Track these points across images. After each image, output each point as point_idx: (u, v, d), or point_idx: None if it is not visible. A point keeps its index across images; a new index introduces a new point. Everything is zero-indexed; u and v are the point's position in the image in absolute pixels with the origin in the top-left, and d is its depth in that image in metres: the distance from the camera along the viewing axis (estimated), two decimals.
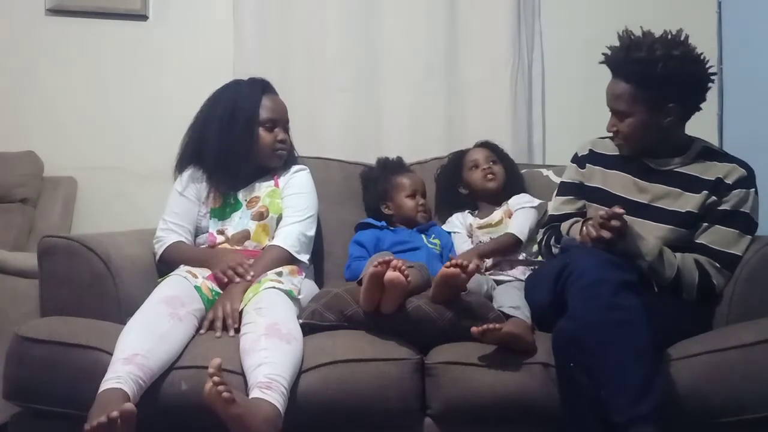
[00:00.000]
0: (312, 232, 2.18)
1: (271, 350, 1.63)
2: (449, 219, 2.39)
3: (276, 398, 1.54)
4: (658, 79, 1.84)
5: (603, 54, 1.95)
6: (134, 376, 1.56)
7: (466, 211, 2.39)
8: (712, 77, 1.91)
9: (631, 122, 1.91)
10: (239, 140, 2.15)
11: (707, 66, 1.90)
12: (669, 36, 1.87)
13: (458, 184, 2.42)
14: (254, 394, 1.53)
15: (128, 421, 1.43)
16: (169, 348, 1.68)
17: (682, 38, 1.87)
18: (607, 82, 1.97)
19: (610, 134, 2.01)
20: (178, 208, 2.18)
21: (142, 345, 1.63)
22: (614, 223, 1.77)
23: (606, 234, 1.77)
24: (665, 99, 1.88)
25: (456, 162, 2.45)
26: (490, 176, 2.34)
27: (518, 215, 2.26)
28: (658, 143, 1.97)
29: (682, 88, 1.88)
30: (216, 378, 1.42)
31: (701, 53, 1.89)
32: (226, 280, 1.96)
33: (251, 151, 2.17)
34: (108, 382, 1.54)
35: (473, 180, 2.37)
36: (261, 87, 2.23)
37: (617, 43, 1.92)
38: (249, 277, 1.94)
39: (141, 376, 1.58)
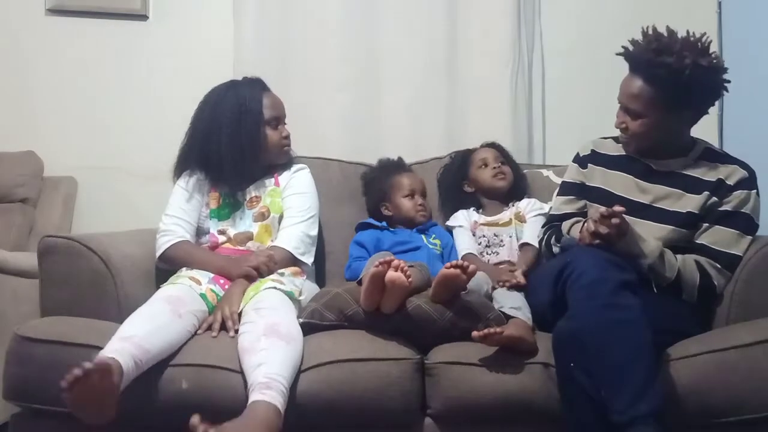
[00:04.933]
0: (314, 232, 2.18)
1: (270, 350, 1.64)
2: (454, 215, 2.37)
3: (275, 397, 1.54)
4: (681, 86, 1.82)
5: (623, 47, 1.91)
6: (129, 351, 1.56)
7: (471, 208, 2.39)
8: (727, 84, 1.88)
9: (644, 123, 1.90)
10: (250, 143, 2.14)
11: (726, 75, 1.88)
12: (697, 42, 1.84)
13: (463, 181, 2.41)
14: (254, 396, 1.54)
15: (104, 373, 1.43)
16: (167, 338, 1.68)
17: (707, 44, 1.85)
18: (608, 81, 1.97)
19: (617, 130, 1.99)
20: (183, 204, 2.16)
21: (139, 329, 1.64)
22: (614, 221, 1.77)
23: (603, 229, 1.77)
24: (683, 104, 1.87)
25: (462, 160, 2.44)
26: (500, 176, 2.34)
27: (532, 224, 2.25)
28: (663, 144, 1.96)
29: (701, 95, 1.88)
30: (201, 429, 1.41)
31: (722, 61, 1.87)
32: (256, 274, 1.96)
33: (261, 152, 2.18)
34: (101, 356, 1.54)
35: (482, 178, 2.36)
36: (260, 86, 2.23)
37: (635, 38, 1.89)
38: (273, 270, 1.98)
39: (136, 353, 1.57)
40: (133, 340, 1.60)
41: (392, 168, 2.44)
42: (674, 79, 1.81)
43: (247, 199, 2.20)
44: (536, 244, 2.17)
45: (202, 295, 1.91)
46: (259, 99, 2.19)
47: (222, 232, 2.17)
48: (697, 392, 1.67)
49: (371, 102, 2.83)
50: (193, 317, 1.81)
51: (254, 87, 2.22)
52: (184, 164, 2.22)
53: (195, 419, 1.43)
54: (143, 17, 2.87)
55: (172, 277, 1.99)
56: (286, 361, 1.63)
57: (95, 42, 2.86)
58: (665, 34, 1.86)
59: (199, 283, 1.94)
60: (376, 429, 1.76)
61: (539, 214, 2.27)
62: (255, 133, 2.16)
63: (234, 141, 2.13)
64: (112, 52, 2.86)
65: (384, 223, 2.32)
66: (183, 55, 2.86)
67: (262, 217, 2.17)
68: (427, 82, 2.83)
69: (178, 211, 2.15)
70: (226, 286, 1.98)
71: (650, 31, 1.88)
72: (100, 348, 1.66)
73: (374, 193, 2.41)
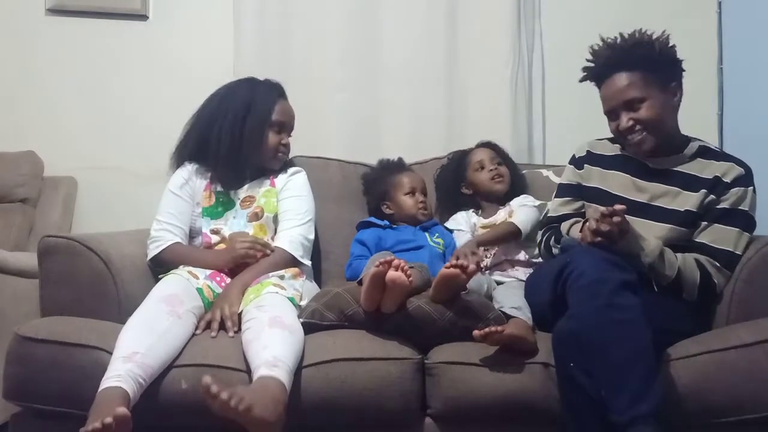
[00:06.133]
0: (312, 236, 2.19)
1: (275, 336, 1.65)
2: (454, 216, 2.38)
3: (282, 375, 1.55)
4: (659, 58, 1.91)
5: (584, 70, 1.98)
6: (134, 374, 1.57)
7: (470, 210, 2.39)
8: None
9: (651, 104, 1.92)
10: (249, 137, 2.16)
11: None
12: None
13: (461, 184, 2.41)
14: (260, 372, 1.55)
15: (123, 424, 1.43)
16: (169, 346, 1.68)
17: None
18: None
19: (625, 130, 1.96)
20: (173, 208, 2.15)
21: (141, 343, 1.63)
22: (615, 219, 1.77)
23: (605, 227, 1.77)
24: (669, 78, 1.94)
25: (459, 162, 2.45)
26: (498, 178, 2.35)
27: (520, 211, 2.27)
28: (670, 133, 1.97)
29: (675, 65, 1.96)
30: (213, 387, 1.40)
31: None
32: (255, 259, 2.02)
33: (257, 150, 2.18)
34: (108, 381, 1.55)
35: (480, 181, 2.37)
36: (278, 91, 2.26)
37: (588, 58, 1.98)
38: (266, 253, 2.05)
39: (141, 374, 1.58)
40: (135, 358, 1.59)
41: (393, 167, 2.44)
42: (651, 54, 1.90)
43: (241, 198, 2.20)
44: (519, 224, 2.21)
45: (199, 290, 1.90)
46: (273, 100, 2.22)
47: (215, 232, 2.16)
48: (697, 392, 1.67)
49: (371, 102, 2.83)
50: (192, 316, 1.81)
51: (272, 89, 2.25)
52: (183, 153, 2.22)
53: (207, 378, 1.41)
54: (143, 17, 2.87)
55: (172, 270, 1.99)
56: (289, 348, 1.64)
57: (95, 42, 2.86)
58: (614, 38, 1.94)
59: (196, 277, 1.94)
60: (375, 429, 1.76)
61: (528, 205, 2.29)
62: (257, 130, 2.17)
63: (235, 130, 2.15)
64: (112, 52, 2.86)
65: (386, 222, 2.32)
66: (183, 55, 2.86)
67: (256, 216, 2.17)
68: (426, 82, 2.83)
69: (167, 215, 2.14)
70: (223, 284, 1.98)
71: (606, 40, 1.95)
72: (100, 348, 1.68)
73: (375, 193, 2.41)
